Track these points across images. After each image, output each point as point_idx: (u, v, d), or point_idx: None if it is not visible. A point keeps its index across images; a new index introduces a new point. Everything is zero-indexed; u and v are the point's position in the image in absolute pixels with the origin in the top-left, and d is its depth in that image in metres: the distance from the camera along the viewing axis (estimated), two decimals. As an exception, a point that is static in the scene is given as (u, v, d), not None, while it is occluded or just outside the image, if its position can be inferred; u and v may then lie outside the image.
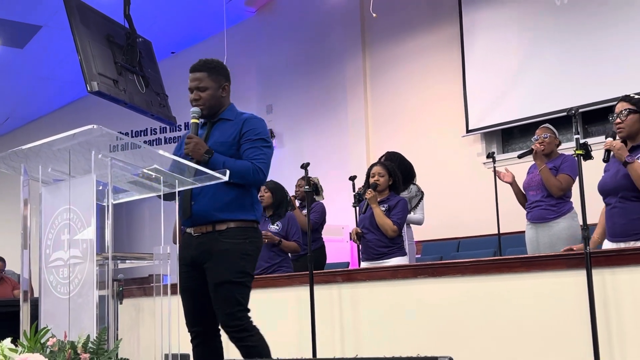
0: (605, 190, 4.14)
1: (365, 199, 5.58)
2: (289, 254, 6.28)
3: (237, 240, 3.48)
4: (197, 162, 3.34)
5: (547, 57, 8.32)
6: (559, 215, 5.23)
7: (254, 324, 3.54)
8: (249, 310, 3.55)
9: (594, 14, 7.97)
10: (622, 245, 4.04)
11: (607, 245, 4.12)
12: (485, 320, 4.41)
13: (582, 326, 3.93)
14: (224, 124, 3.64)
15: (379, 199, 5.57)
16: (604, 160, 4.13)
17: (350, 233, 6.37)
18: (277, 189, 6.36)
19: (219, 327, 3.60)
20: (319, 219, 7.06)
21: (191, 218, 3.54)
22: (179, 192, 3.41)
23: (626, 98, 4.13)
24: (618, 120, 4.07)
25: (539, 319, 4.19)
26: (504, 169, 5.78)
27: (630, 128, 4.05)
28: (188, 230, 3.59)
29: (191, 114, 3.57)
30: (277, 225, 6.20)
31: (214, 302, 3.50)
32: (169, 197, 3.18)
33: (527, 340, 4.22)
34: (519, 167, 6.10)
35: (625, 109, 4.06)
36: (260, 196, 6.28)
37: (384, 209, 5.47)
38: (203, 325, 3.56)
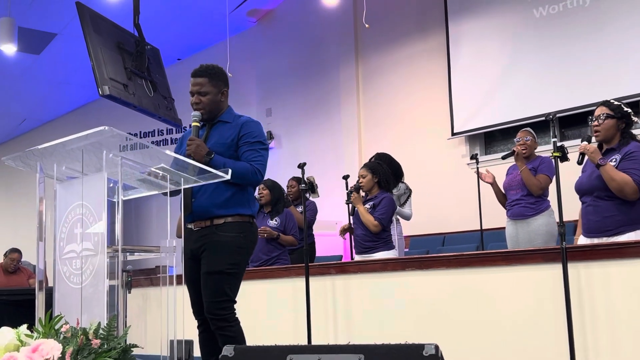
0: (581, 190, 4.16)
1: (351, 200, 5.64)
2: (286, 248, 6.30)
3: (232, 234, 3.47)
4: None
5: (527, 66, 8.34)
6: (537, 213, 5.24)
7: (236, 316, 3.52)
8: (235, 302, 3.53)
9: (571, 25, 7.99)
10: (596, 240, 4.06)
11: (582, 240, 4.13)
12: (469, 309, 4.42)
13: (558, 315, 3.95)
14: (222, 126, 3.62)
15: (368, 197, 5.59)
16: (578, 163, 4.15)
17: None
18: (275, 187, 6.40)
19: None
20: (312, 216, 7.09)
21: (192, 214, 3.53)
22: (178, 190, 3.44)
23: (606, 103, 4.12)
24: (595, 123, 4.06)
25: (519, 308, 4.20)
26: (485, 170, 5.79)
27: (606, 132, 4.05)
28: (189, 225, 3.57)
29: (192, 118, 3.55)
30: (276, 221, 6.23)
31: (203, 289, 3.49)
32: (172, 193, 3.18)
33: (507, 328, 4.23)
34: (500, 168, 6.12)
35: (603, 114, 4.05)
36: (259, 194, 6.32)
37: (369, 207, 5.48)
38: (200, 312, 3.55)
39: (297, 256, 6.44)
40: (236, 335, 3.47)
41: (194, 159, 3.36)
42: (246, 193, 3.57)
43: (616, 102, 4.11)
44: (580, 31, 7.89)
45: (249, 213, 3.57)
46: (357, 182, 5.67)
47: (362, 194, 5.68)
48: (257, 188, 6.41)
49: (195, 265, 3.53)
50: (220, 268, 3.44)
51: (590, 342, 3.88)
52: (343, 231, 6.24)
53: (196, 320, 3.59)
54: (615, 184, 3.89)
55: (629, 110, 4.09)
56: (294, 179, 7.16)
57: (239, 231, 3.49)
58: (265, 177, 6.36)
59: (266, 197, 6.31)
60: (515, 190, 5.37)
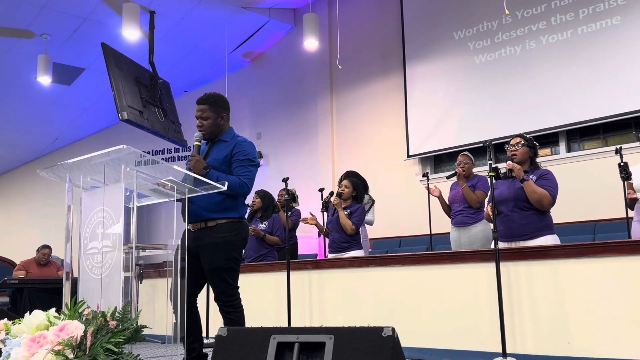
0: (501, 199, 4.20)
1: (332, 203, 5.61)
2: (274, 247, 6.29)
3: (224, 234, 3.42)
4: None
5: (468, 102, 8.43)
6: (476, 221, 5.28)
7: (241, 303, 3.50)
8: (238, 287, 3.50)
9: (504, 70, 8.10)
10: (513, 244, 4.11)
11: (501, 244, 4.16)
12: (420, 299, 4.44)
13: (491, 304, 3.97)
14: (221, 144, 3.58)
15: (343, 205, 5.59)
16: (508, 176, 4.23)
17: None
18: (266, 196, 6.43)
19: (197, 301, 3.55)
20: (296, 221, 7.06)
21: (190, 216, 3.50)
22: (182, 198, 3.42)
23: (521, 135, 4.36)
24: (513, 149, 4.26)
25: (460, 298, 4.22)
26: (434, 186, 5.83)
27: (522, 156, 4.24)
28: (188, 226, 3.53)
29: (195, 138, 3.56)
30: (265, 224, 6.26)
31: (211, 283, 3.46)
32: (182, 200, 3.23)
33: (451, 314, 4.25)
34: (446, 185, 6.15)
35: (520, 142, 4.25)
36: (252, 202, 6.35)
37: (346, 213, 5.49)
38: (187, 299, 3.44)
39: (283, 254, 6.42)
40: (239, 319, 3.44)
41: (194, 172, 3.37)
42: (234, 199, 3.50)
43: (528, 135, 4.36)
44: (512, 75, 8.01)
45: (237, 215, 3.50)
46: (341, 189, 5.64)
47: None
48: (252, 196, 6.41)
49: (190, 259, 3.44)
50: (219, 265, 3.40)
51: (517, 325, 3.91)
52: (309, 220, 6.10)
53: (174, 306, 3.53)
54: (537, 195, 4.00)
55: (536, 143, 4.36)
56: (284, 189, 7.17)
57: (229, 230, 3.44)
58: (258, 189, 6.38)
59: (258, 204, 6.37)
60: (458, 203, 5.41)
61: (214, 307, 3.65)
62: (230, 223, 3.46)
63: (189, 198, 3.44)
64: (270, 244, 6.21)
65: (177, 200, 3.20)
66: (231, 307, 3.44)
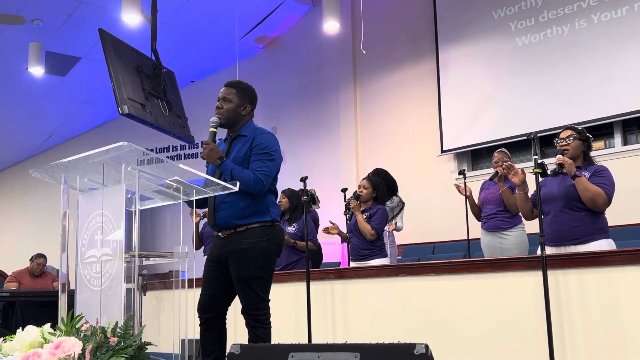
0: (549, 198, 4.16)
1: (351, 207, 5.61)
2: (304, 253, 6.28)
3: (255, 240, 3.43)
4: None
5: (510, 89, 8.37)
6: (512, 226, 5.28)
7: (270, 319, 3.50)
8: (268, 301, 3.51)
9: (549, 54, 8.02)
10: (563, 250, 4.07)
11: (549, 250, 4.12)
12: (457, 312, 4.41)
13: (538, 318, 3.94)
14: (240, 140, 3.58)
15: (362, 208, 5.58)
16: (558, 172, 4.18)
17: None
18: (293, 195, 6.40)
19: (226, 315, 3.59)
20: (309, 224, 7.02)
21: (216, 225, 3.53)
22: (207, 202, 3.51)
23: (571, 127, 4.30)
24: (564, 143, 4.20)
25: (502, 312, 4.19)
26: (463, 184, 5.83)
27: (574, 151, 4.18)
28: (218, 233, 3.57)
29: (210, 123, 3.55)
30: (294, 227, 6.21)
31: (238, 293, 3.48)
32: (199, 204, 3.40)
33: (491, 330, 4.22)
34: (476, 184, 6.09)
35: (571, 135, 4.20)
36: (278, 202, 6.33)
37: (365, 216, 5.48)
38: (213, 312, 3.51)
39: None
40: (265, 336, 3.44)
41: (207, 161, 3.44)
42: (264, 201, 3.50)
43: (580, 127, 4.29)
44: (559, 58, 7.93)
45: (269, 219, 3.50)
46: (359, 190, 5.65)
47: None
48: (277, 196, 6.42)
49: (219, 267, 3.50)
50: (248, 274, 3.41)
51: (568, 343, 3.87)
52: (331, 229, 6.08)
53: (199, 318, 3.54)
54: (590, 194, 3.95)
55: (590, 136, 4.29)
56: (302, 190, 7.18)
57: (260, 235, 3.45)
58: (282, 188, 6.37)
59: (285, 205, 6.29)
60: (492, 205, 5.38)
61: (237, 322, 3.66)
62: (262, 227, 3.47)
63: (214, 206, 3.48)
64: (303, 250, 6.18)
65: (187, 203, 3.23)
66: (258, 322, 3.45)
